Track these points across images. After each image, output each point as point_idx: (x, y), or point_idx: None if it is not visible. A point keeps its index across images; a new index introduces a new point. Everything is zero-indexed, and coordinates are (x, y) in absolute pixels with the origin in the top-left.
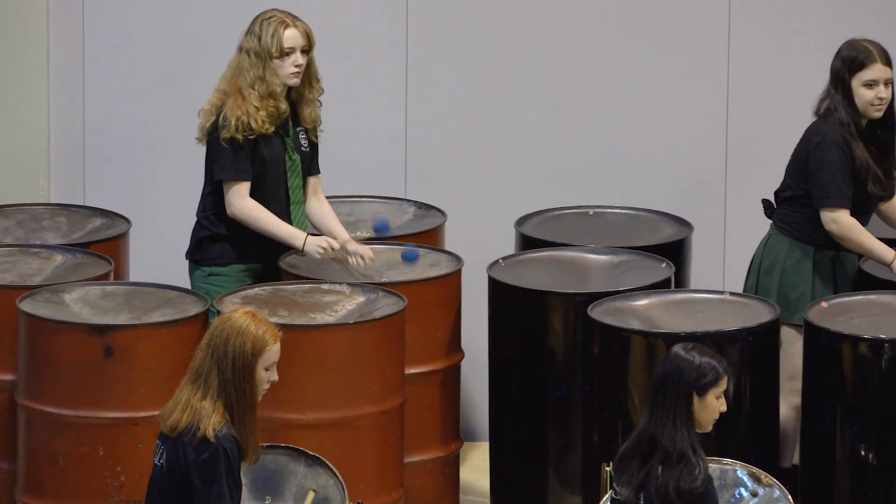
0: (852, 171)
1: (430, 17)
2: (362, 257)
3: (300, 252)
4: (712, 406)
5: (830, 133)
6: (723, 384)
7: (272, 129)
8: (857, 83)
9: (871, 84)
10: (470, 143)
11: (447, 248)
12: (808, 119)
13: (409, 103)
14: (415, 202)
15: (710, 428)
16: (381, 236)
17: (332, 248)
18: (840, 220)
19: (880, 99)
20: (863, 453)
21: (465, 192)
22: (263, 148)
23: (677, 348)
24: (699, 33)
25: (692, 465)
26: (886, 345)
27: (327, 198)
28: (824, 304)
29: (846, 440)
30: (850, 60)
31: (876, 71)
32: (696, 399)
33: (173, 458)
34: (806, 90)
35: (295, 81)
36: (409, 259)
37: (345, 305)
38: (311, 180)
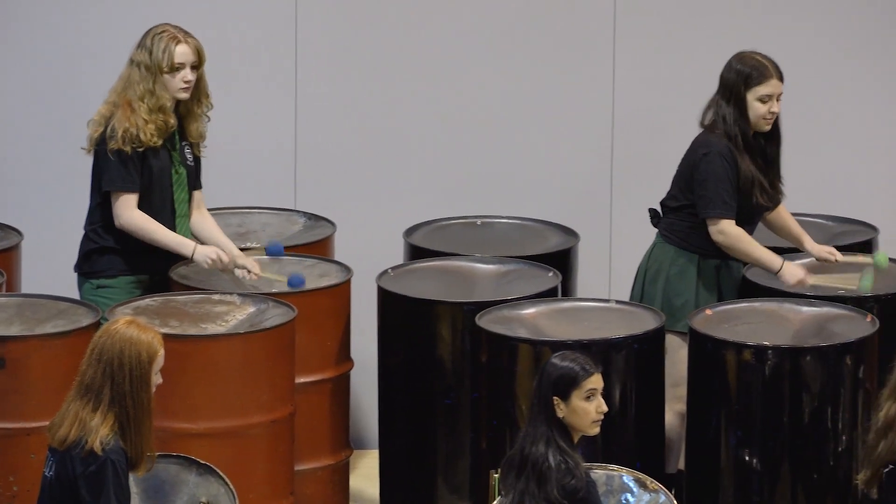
0: (738, 182)
1: (318, 29)
2: (249, 271)
3: (189, 260)
4: (581, 408)
5: (717, 145)
6: (586, 384)
7: (160, 142)
8: (752, 97)
9: (765, 99)
10: (359, 155)
11: (336, 258)
12: (692, 129)
13: (298, 115)
14: (304, 213)
15: (592, 431)
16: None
17: (222, 260)
18: (726, 231)
19: (772, 113)
20: (746, 458)
21: (354, 202)
22: (151, 160)
23: (552, 357)
24: (584, 44)
25: (558, 470)
26: (769, 351)
27: (218, 209)
28: (709, 312)
29: (730, 445)
30: (746, 75)
31: (771, 86)
32: (560, 403)
33: (62, 471)
34: (691, 100)
35: (184, 96)
36: (294, 285)
37: (235, 315)
38: (195, 194)
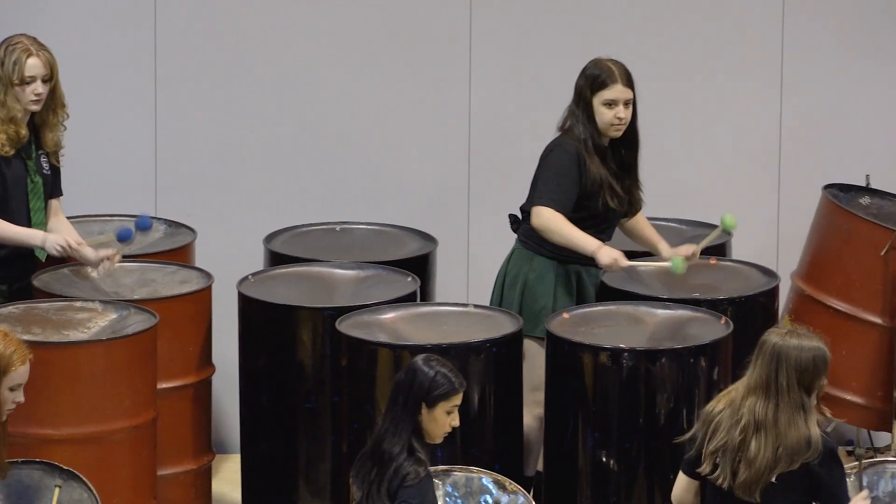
0: (583, 184)
1: (177, 36)
2: (108, 259)
3: (40, 249)
4: (441, 419)
5: (565, 143)
6: (455, 399)
7: (12, 151)
8: (597, 102)
9: (610, 104)
10: (218, 162)
11: (197, 264)
12: (549, 135)
13: (158, 122)
14: (165, 220)
15: (438, 441)
16: (123, 242)
17: (70, 245)
18: (542, 214)
19: (619, 119)
20: (604, 460)
21: (215, 209)
22: (4, 170)
23: (418, 359)
24: (441, 51)
25: (403, 469)
26: (626, 354)
27: (79, 217)
28: (566, 315)
29: (588, 447)
30: (593, 79)
31: (616, 91)
32: (425, 409)
33: None
34: (546, 107)
35: (35, 108)
36: (142, 228)
37: (97, 322)
38: (53, 202)
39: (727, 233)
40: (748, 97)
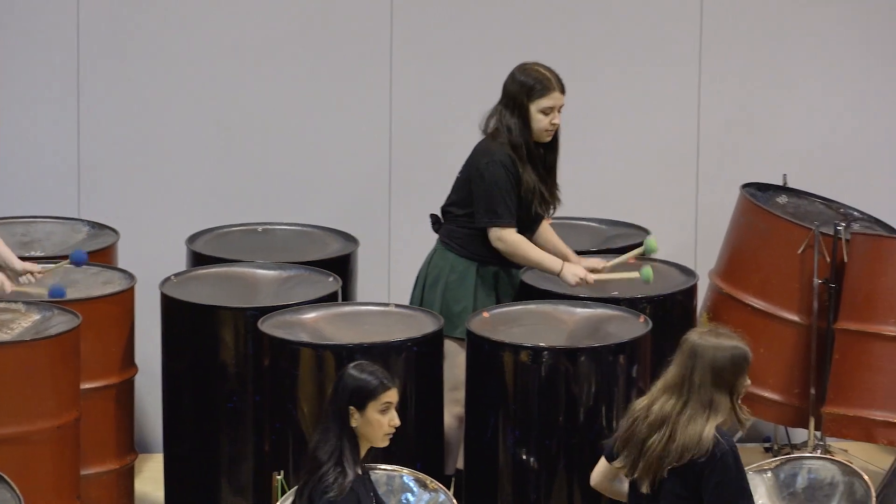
0: (519, 191)
1: (99, 37)
2: (31, 273)
3: None
4: (376, 420)
5: (498, 153)
6: (384, 397)
7: None
8: (534, 109)
9: (547, 111)
10: (141, 163)
11: (120, 265)
12: (470, 136)
13: (80, 123)
14: (88, 222)
15: (382, 443)
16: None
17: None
18: (506, 239)
19: (553, 124)
20: (524, 457)
21: (137, 211)
22: None
23: (350, 365)
24: (362, 51)
25: (325, 478)
26: (545, 352)
27: (2, 219)
28: (486, 314)
29: (508, 445)
30: (530, 87)
31: (553, 98)
32: (356, 413)
33: None
34: (467, 107)
35: None
36: (76, 261)
37: (20, 323)
38: None
39: (647, 254)
40: (667, 97)
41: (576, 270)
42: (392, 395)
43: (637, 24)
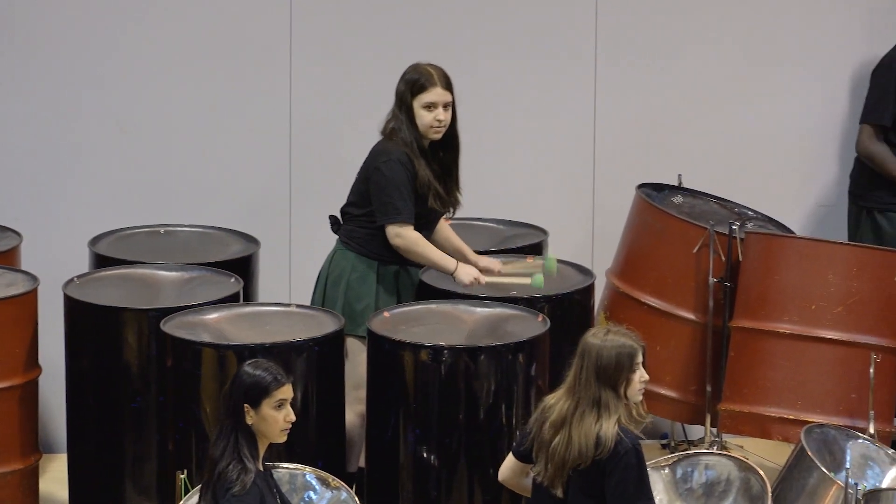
0: (415, 188)
1: (2, 41)
2: None
3: None
4: (271, 417)
5: (395, 152)
6: (278, 394)
7: None
8: (417, 105)
9: (430, 106)
10: (43, 165)
11: (23, 268)
12: (370, 137)
13: None
14: None
15: (280, 439)
16: None
17: None
18: (405, 235)
19: (438, 121)
20: (425, 455)
21: (40, 213)
22: None
23: (245, 364)
24: (262, 52)
25: (226, 475)
26: (446, 351)
27: None
28: (386, 314)
29: (409, 443)
30: (413, 83)
31: (435, 94)
32: (251, 411)
33: None
34: (366, 109)
35: None
36: None
37: None
38: None
39: (548, 274)
40: (563, 99)
41: (469, 271)
42: (286, 391)
43: (534, 26)
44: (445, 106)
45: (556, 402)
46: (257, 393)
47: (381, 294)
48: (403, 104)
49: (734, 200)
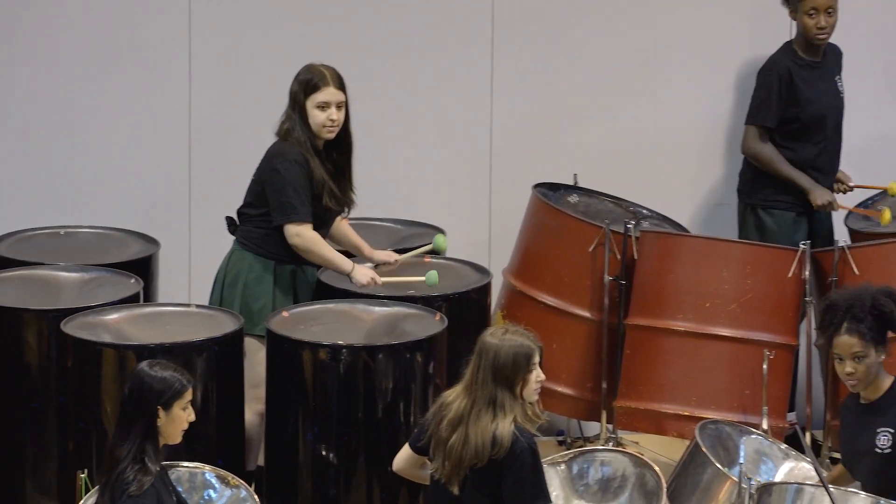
0: (311, 187)
1: None
2: None
3: None
4: (179, 418)
5: (291, 153)
6: (187, 396)
7: None
8: (311, 105)
9: (323, 106)
10: None
11: None
12: (268, 139)
13: None
14: None
15: (179, 439)
16: None
17: None
18: (303, 234)
19: (332, 121)
20: (324, 453)
21: None
22: None
23: (142, 366)
24: (160, 53)
25: (125, 476)
26: (344, 350)
27: None
28: (285, 314)
29: (308, 441)
30: (306, 83)
31: (328, 94)
32: (162, 413)
33: None
34: (263, 111)
35: None
36: None
37: None
38: None
39: (436, 252)
40: (459, 98)
41: (365, 271)
42: (191, 392)
43: (430, 26)
44: (338, 106)
45: (453, 399)
46: (171, 395)
47: (278, 294)
48: (297, 104)
49: (629, 199)
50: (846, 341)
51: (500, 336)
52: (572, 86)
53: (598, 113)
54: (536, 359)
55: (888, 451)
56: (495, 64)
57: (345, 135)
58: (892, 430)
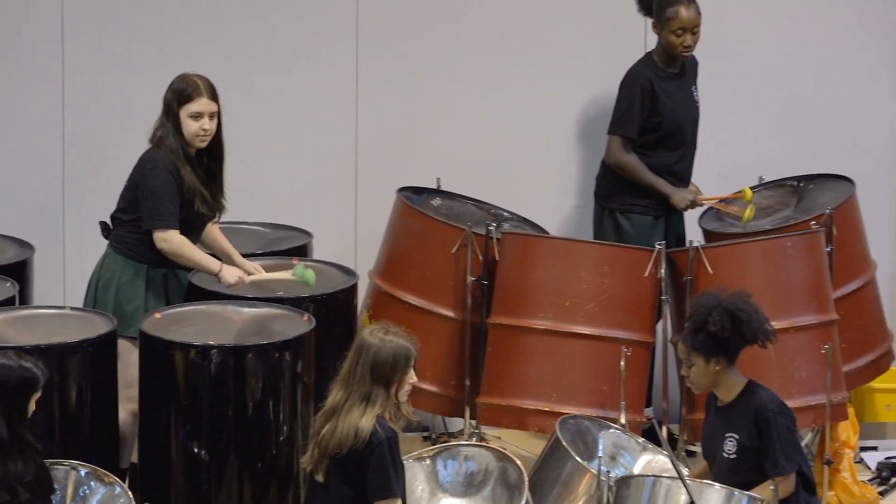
0: (181, 193)
1: None
2: None
3: None
4: (31, 411)
5: (162, 160)
6: (40, 391)
7: None
8: (184, 114)
9: (196, 116)
10: None
11: None
12: (142, 146)
13: None
14: None
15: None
16: None
17: None
18: (171, 240)
19: (204, 130)
20: (195, 450)
21: None
22: None
23: (2, 359)
24: (33, 58)
25: (14, 464)
26: (214, 351)
27: None
28: (157, 315)
29: (180, 439)
30: (180, 92)
31: (201, 104)
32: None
33: None
34: (137, 117)
35: None
36: None
37: None
38: None
39: (305, 284)
40: (325, 102)
41: (233, 271)
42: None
43: (296, 33)
44: (211, 115)
45: (330, 393)
46: (32, 387)
47: (151, 297)
48: (170, 113)
49: (491, 202)
50: (681, 347)
51: (380, 336)
52: (436, 91)
53: (461, 118)
54: (413, 361)
55: (733, 456)
56: (360, 69)
57: (217, 143)
58: (736, 437)
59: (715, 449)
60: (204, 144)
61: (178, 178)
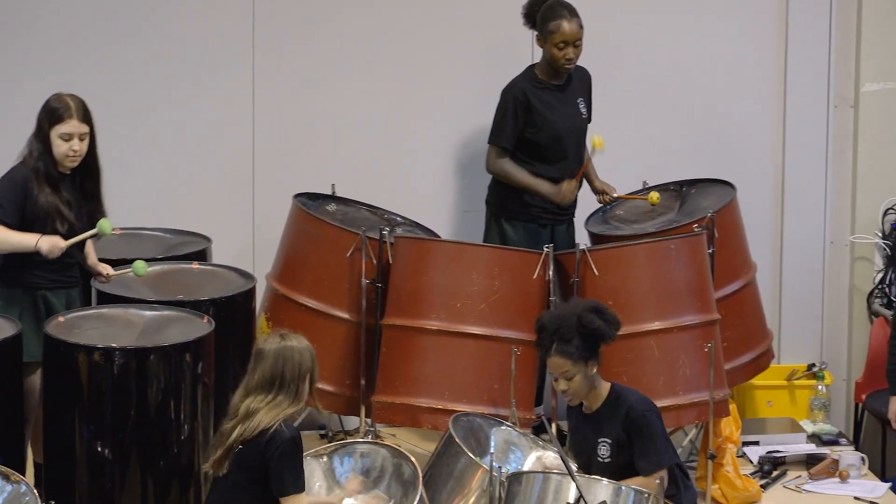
0: (28, 211)
1: None
2: None
3: None
4: None
5: (17, 173)
6: None
7: None
8: (54, 134)
9: (66, 137)
10: None
11: None
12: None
13: None
14: None
15: None
16: None
17: None
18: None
19: (74, 151)
20: (99, 450)
21: None
22: None
23: None
24: None
25: None
26: (117, 352)
27: None
28: (61, 319)
29: (84, 439)
30: (51, 113)
31: (71, 125)
32: None
33: None
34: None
35: None
36: None
37: None
38: None
39: (101, 235)
40: (223, 108)
41: (48, 239)
42: None
43: (193, 37)
44: (81, 137)
45: (237, 400)
46: None
47: (28, 319)
48: (41, 132)
49: (384, 208)
50: (556, 362)
51: (278, 342)
52: (330, 98)
53: (356, 125)
54: (312, 364)
55: (608, 459)
56: (256, 76)
57: (92, 161)
58: (609, 441)
59: (589, 456)
60: (74, 164)
61: (29, 194)
